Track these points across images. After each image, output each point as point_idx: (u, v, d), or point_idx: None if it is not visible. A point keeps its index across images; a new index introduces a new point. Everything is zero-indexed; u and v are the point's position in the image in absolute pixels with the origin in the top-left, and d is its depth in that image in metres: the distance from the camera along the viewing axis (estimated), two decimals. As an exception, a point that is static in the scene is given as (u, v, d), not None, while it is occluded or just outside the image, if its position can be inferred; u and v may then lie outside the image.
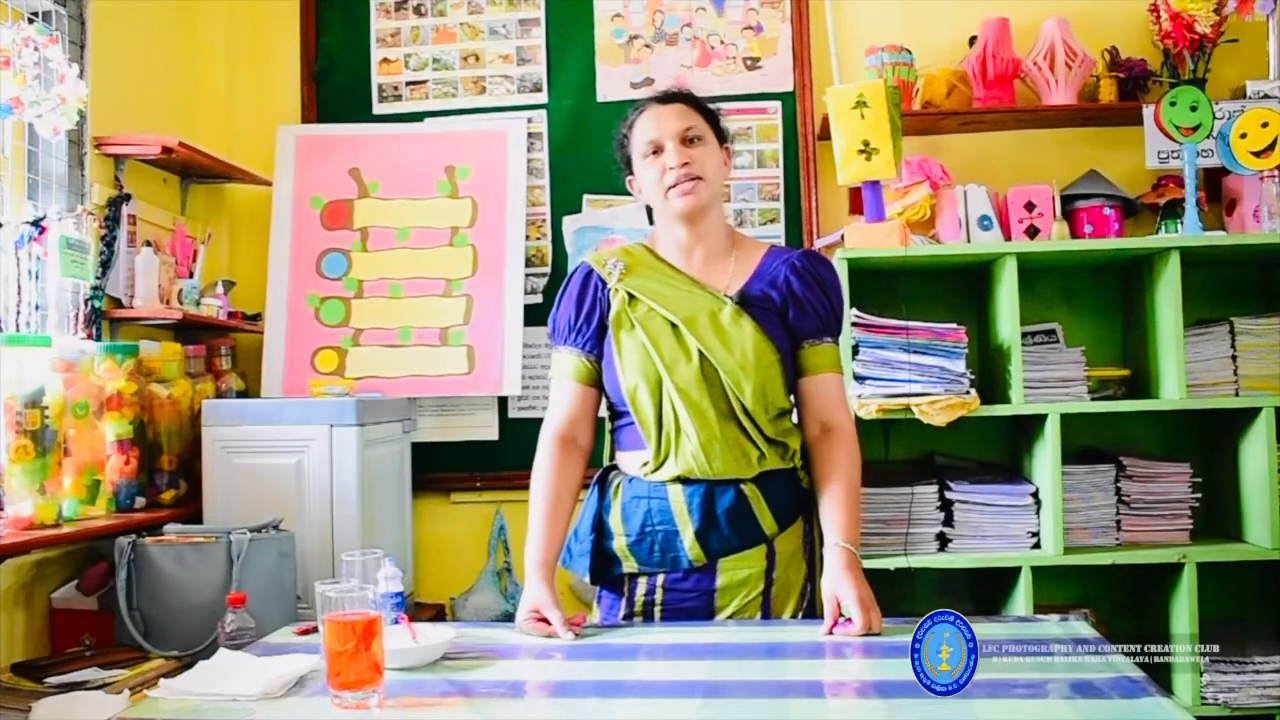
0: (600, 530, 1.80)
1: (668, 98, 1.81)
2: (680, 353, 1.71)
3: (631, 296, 1.76)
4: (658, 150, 1.77)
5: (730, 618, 1.75)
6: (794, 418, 1.83)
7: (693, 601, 1.76)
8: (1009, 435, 2.98)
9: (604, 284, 1.80)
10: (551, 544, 1.75)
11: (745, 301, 1.75)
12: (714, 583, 1.75)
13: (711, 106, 1.85)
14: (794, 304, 1.77)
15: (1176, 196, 2.88)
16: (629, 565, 1.78)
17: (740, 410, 1.70)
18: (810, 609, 1.78)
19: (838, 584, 1.65)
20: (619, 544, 1.78)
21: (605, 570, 1.81)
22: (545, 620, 1.64)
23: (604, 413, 1.86)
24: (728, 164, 1.85)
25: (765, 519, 1.74)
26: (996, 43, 2.98)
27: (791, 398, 1.80)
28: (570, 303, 1.83)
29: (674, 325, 1.73)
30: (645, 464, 1.75)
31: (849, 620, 1.61)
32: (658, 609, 1.77)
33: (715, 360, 1.70)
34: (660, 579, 1.77)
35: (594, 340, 1.80)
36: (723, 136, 1.84)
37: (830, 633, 1.61)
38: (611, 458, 1.86)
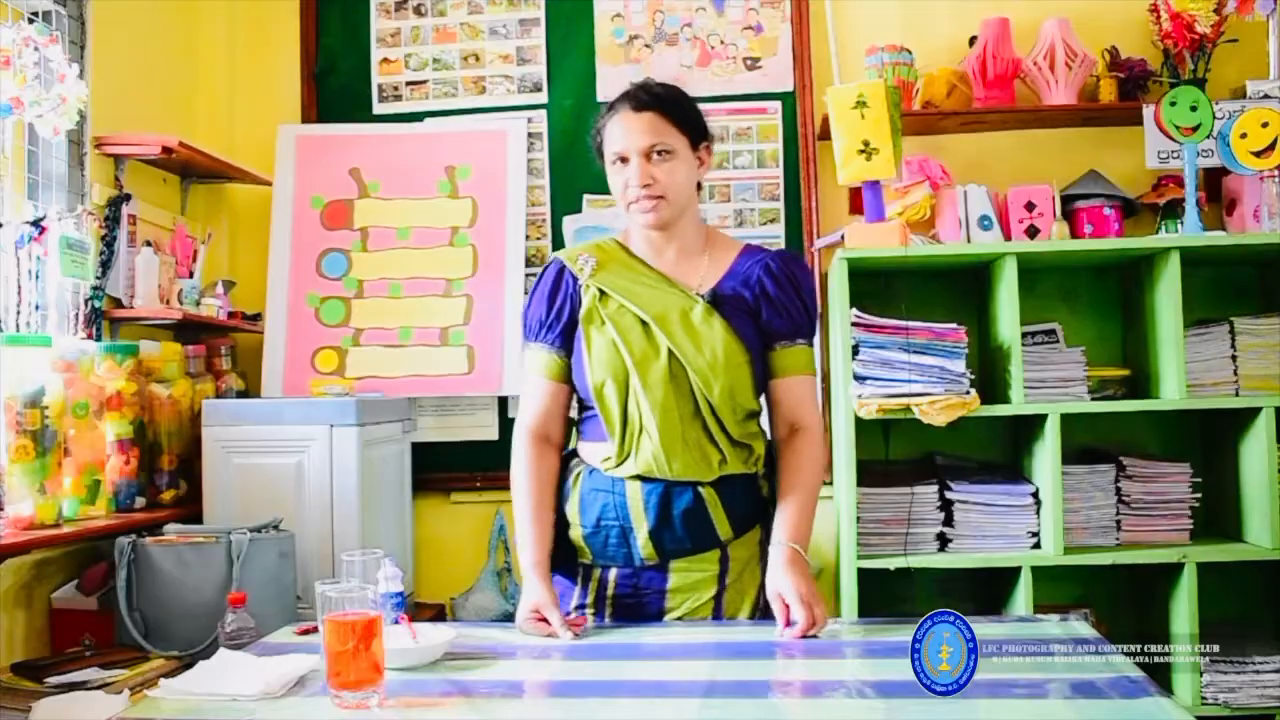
0: (559, 517, 1.80)
1: (640, 104, 1.74)
2: (650, 350, 1.70)
3: (603, 293, 1.75)
4: (624, 159, 1.74)
5: (680, 619, 1.74)
6: (762, 421, 1.81)
7: (644, 599, 1.75)
8: (1009, 435, 2.98)
9: (575, 280, 1.79)
10: (543, 542, 1.75)
11: (717, 300, 1.73)
12: (665, 583, 1.74)
13: (688, 108, 1.78)
14: (766, 304, 1.75)
15: (1176, 196, 2.88)
16: (584, 556, 1.78)
17: (707, 410, 1.69)
18: (766, 615, 1.75)
19: (780, 581, 1.64)
20: (575, 534, 1.78)
21: (561, 557, 1.80)
22: (545, 620, 1.64)
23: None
24: (705, 164, 1.81)
25: (720, 523, 1.73)
26: (996, 43, 2.98)
27: (761, 400, 1.79)
28: (542, 299, 1.82)
29: (644, 323, 1.72)
30: (607, 459, 1.74)
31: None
32: (609, 603, 1.77)
33: (684, 359, 1.69)
34: (613, 573, 1.77)
35: (565, 337, 1.80)
36: (701, 136, 1.79)
37: (786, 626, 1.60)
38: (576, 439, 1.85)
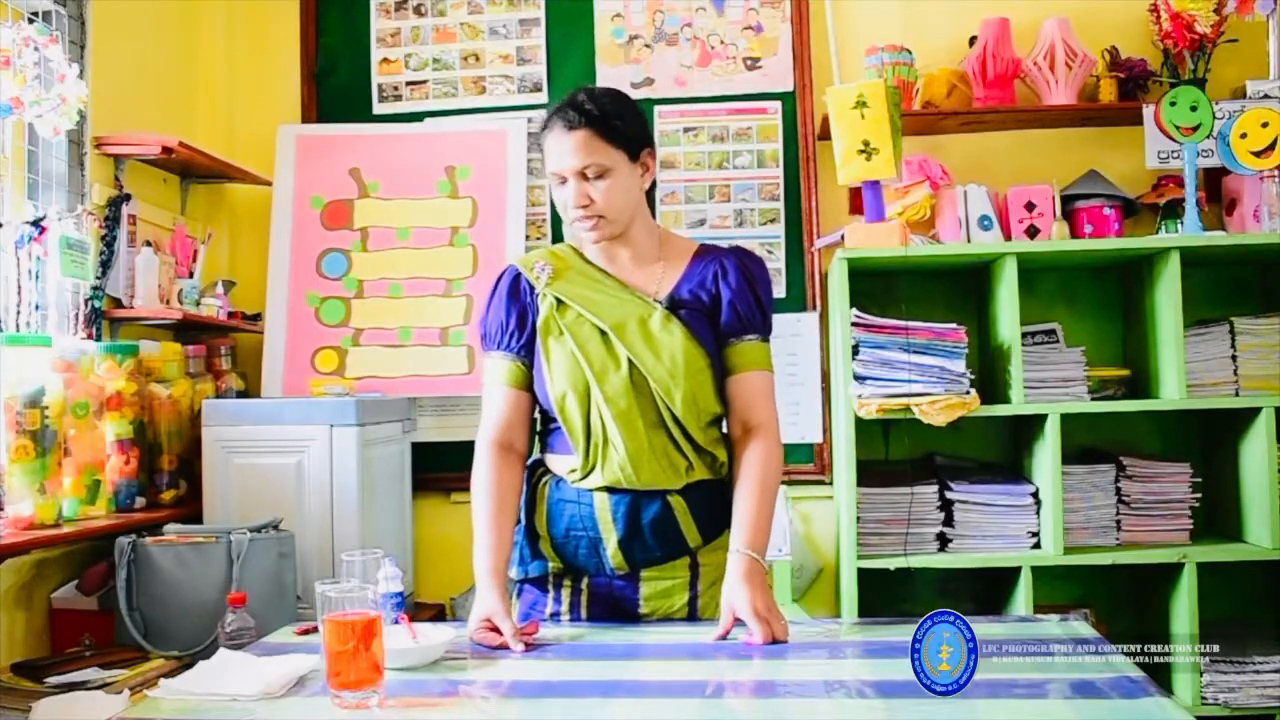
0: (527, 527, 1.78)
1: (571, 124, 1.68)
2: (610, 361, 1.69)
3: (560, 302, 1.73)
4: (563, 179, 1.71)
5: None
6: (725, 426, 1.79)
7: (618, 605, 1.74)
8: (1009, 435, 2.98)
9: (532, 289, 1.77)
10: (500, 551, 1.70)
11: (675, 305, 1.72)
12: (637, 591, 1.73)
13: (623, 122, 1.70)
14: (721, 303, 1.74)
15: (1176, 196, 2.88)
16: (554, 565, 1.77)
17: (670, 419, 1.68)
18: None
19: (734, 594, 1.62)
20: (544, 544, 1.76)
21: (532, 568, 1.78)
22: (497, 630, 1.61)
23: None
24: (650, 170, 1.77)
25: (690, 531, 1.72)
26: (996, 43, 2.98)
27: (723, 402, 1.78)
28: (500, 306, 1.79)
29: (603, 332, 1.70)
30: (573, 470, 1.72)
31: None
32: (585, 609, 1.75)
33: (645, 369, 1.67)
34: (585, 582, 1.75)
35: (526, 344, 1.77)
36: (641, 144, 1.73)
37: (723, 638, 1.59)
38: (541, 451, 1.83)
